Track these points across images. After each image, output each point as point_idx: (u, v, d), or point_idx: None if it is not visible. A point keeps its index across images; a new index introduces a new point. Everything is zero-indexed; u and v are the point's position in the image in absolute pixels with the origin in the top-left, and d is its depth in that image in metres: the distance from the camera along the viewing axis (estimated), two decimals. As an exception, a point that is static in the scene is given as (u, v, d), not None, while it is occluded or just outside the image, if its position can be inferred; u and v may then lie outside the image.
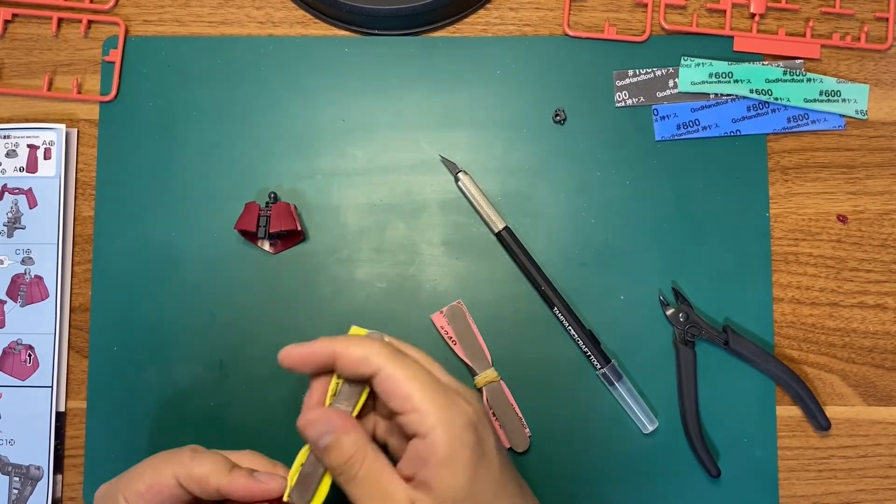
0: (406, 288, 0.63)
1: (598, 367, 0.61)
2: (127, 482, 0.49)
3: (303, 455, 0.49)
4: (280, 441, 0.54)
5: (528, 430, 0.61)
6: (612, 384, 0.61)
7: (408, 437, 0.47)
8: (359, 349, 0.47)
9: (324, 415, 0.48)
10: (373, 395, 0.49)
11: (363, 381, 0.48)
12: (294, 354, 0.49)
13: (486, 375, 0.60)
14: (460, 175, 0.63)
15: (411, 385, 0.46)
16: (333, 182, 0.63)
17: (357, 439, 0.47)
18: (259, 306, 0.62)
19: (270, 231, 0.61)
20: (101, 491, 0.51)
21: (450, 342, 0.61)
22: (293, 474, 0.48)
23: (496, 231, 0.62)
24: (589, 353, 0.61)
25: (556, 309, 0.61)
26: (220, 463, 0.49)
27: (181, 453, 0.50)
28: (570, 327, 0.61)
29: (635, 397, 0.61)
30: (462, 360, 0.61)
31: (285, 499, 0.48)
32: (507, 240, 0.62)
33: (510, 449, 0.61)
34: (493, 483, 0.47)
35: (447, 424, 0.46)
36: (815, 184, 0.64)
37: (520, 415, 0.61)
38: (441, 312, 0.61)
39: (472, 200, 0.63)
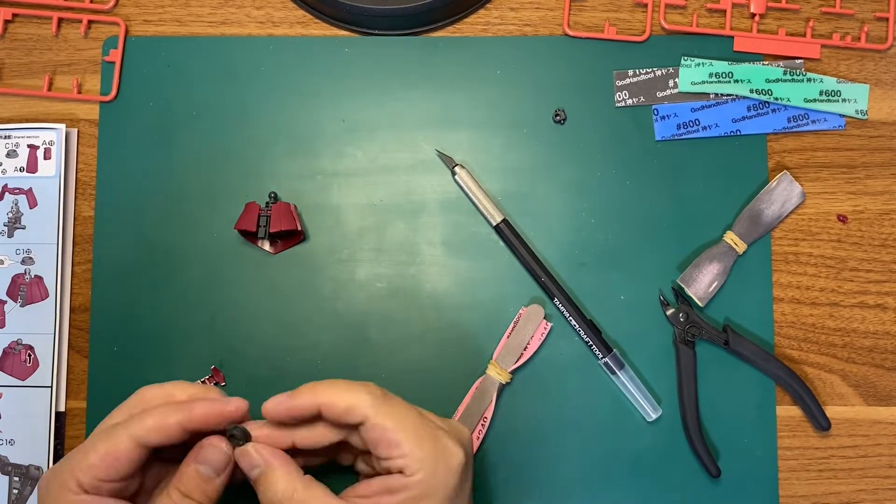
0: (406, 288, 0.63)
1: (601, 356, 0.60)
2: (79, 459, 0.46)
3: None
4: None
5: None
6: (614, 373, 0.60)
7: (382, 468, 0.48)
8: (344, 400, 0.47)
9: (255, 447, 0.48)
10: None
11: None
12: (280, 410, 0.48)
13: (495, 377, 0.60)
14: (457, 168, 0.63)
15: (400, 435, 0.46)
16: (333, 182, 0.63)
17: (287, 473, 0.47)
18: (259, 306, 0.62)
19: (270, 231, 0.61)
20: (47, 477, 0.47)
21: None
22: None
23: (494, 224, 0.62)
24: (591, 342, 0.61)
25: (556, 300, 0.61)
26: (171, 406, 0.48)
27: (131, 414, 0.48)
28: (570, 318, 0.61)
29: (638, 385, 0.61)
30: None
31: None
32: (506, 232, 0.62)
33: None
34: None
35: (431, 471, 0.46)
36: (815, 184, 0.64)
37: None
38: None
39: (470, 194, 0.63)
